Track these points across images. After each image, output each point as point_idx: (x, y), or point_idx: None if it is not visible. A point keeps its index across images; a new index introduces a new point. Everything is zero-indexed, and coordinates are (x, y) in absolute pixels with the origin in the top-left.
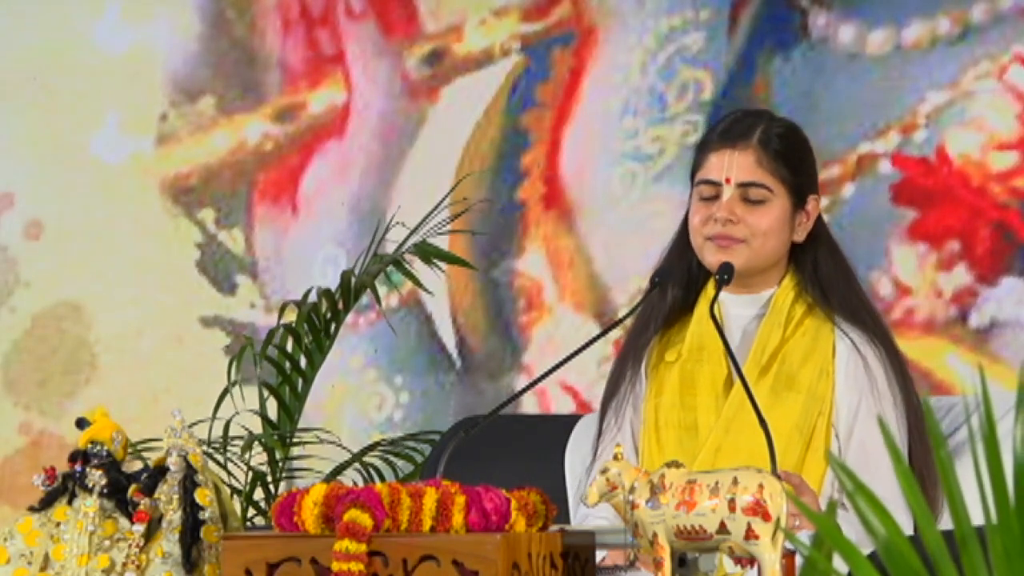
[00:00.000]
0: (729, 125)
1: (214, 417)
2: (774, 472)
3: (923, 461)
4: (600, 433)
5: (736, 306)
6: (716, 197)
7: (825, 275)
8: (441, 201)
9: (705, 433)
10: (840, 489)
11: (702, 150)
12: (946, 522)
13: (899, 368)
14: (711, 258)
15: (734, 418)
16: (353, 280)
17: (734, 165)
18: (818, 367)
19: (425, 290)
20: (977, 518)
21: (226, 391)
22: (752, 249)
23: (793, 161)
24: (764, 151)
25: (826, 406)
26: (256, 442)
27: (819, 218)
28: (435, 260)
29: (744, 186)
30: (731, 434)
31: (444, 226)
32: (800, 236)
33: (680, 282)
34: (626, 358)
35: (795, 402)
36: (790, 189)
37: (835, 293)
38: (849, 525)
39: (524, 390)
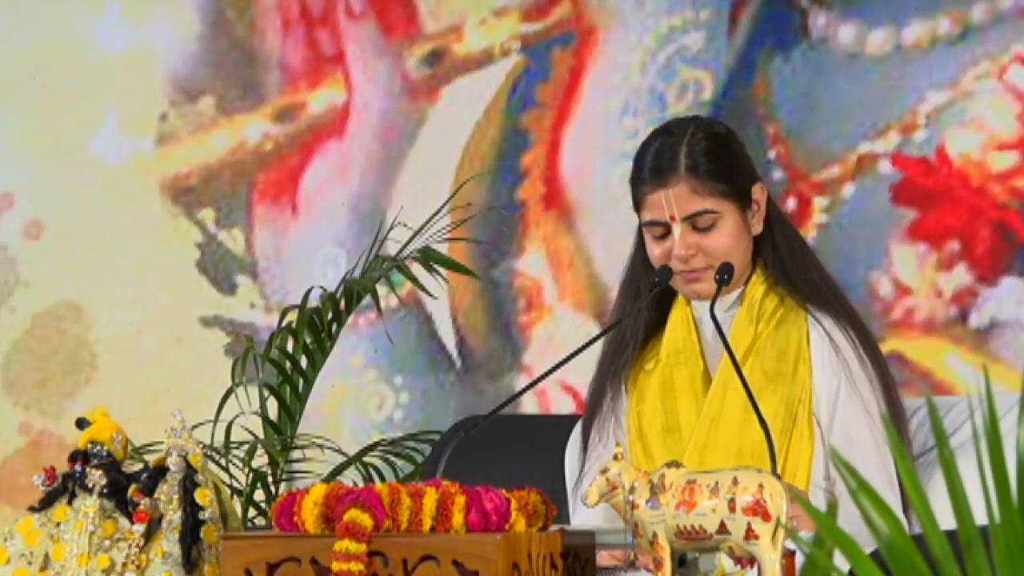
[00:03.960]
0: (653, 160)
1: (216, 419)
2: (774, 471)
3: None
4: (585, 451)
5: (707, 310)
6: (667, 234)
7: (786, 255)
8: (443, 205)
9: (687, 433)
10: (825, 477)
11: (636, 188)
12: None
13: (870, 347)
14: (685, 289)
15: (715, 416)
16: (354, 284)
17: (672, 202)
18: (794, 357)
19: (429, 294)
20: (978, 518)
21: (228, 393)
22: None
23: (726, 170)
24: (696, 177)
25: (805, 395)
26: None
27: (767, 199)
28: (436, 266)
29: (690, 218)
30: (713, 431)
31: (446, 232)
32: (758, 228)
33: (652, 297)
34: (605, 376)
35: (774, 394)
36: (733, 197)
37: (800, 276)
38: (842, 520)
39: (524, 390)
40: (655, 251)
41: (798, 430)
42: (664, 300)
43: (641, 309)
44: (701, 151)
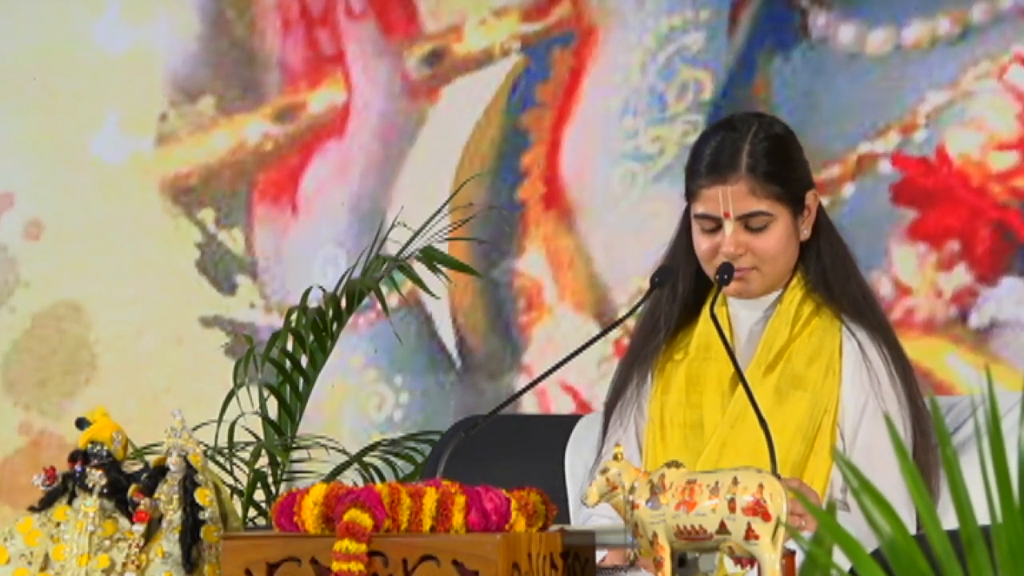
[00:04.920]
0: (714, 155)
1: (220, 420)
2: (774, 472)
3: (924, 455)
4: (605, 433)
5: (744, 308)
6: (718, 228)
7: (829, 265)
8: (443, 205)
9: (710, 430)
10: (844, 488)
11: (692, 180)
12: (946, 520)
13: (901, 364)
14: (727, 287)
15: (739, 415)
16: (357, 283)
17: (729, 200)
18: (824, 366)
19: (431, 294)
20: (980, 517)
21: (231, 394)
22: (764, 274)
23: (784, 173)
24: (755, 178)
25: (832, 405)
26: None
27: (819, 206)
28: (440, 266)
29: (744, 217)
30: (736, 431)
31: (447, 232)
32: (806, 234)
33: (689, 284)
34: (633, 359)
35: (800, 400)
36: (788, 201)
37: (839, 286)
38: (851, 525)
39: (524, 390)
40: (703, 244)
41: (820, 439)
42: (700, 292)
43: (677, 299)
44: (763, 151)
